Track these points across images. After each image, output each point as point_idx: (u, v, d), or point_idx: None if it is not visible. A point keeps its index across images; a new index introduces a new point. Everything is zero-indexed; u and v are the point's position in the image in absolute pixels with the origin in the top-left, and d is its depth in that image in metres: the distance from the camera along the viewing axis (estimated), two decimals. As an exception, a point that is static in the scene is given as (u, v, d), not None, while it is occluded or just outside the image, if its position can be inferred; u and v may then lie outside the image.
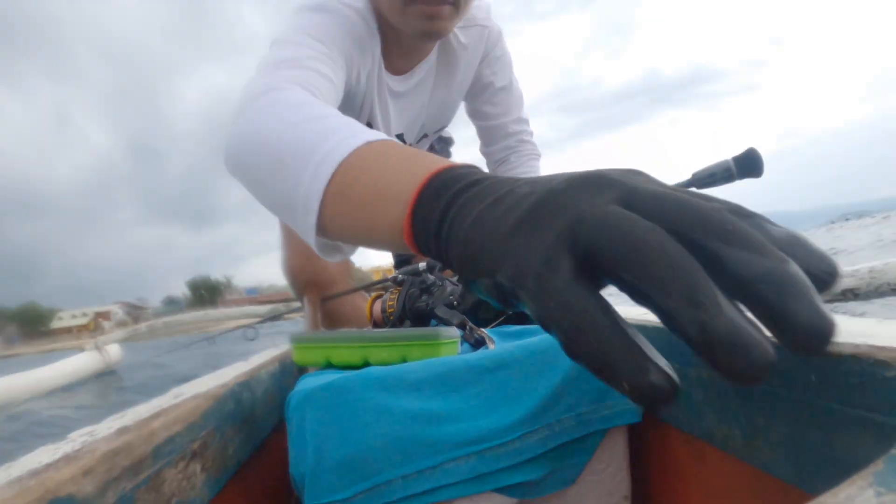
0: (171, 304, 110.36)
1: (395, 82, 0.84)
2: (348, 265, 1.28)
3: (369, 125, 0.80)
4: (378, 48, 0.77)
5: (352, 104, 0.78)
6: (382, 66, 0.80)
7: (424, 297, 0.78)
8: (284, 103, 0.44)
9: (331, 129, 0.36)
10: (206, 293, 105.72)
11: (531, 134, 1.06)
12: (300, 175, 0.36)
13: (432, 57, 0.87)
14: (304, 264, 1.06)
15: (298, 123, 0.39)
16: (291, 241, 1.07)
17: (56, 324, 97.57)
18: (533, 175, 0.95)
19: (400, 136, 0.93)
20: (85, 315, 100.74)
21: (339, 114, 0.41)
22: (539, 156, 1.06)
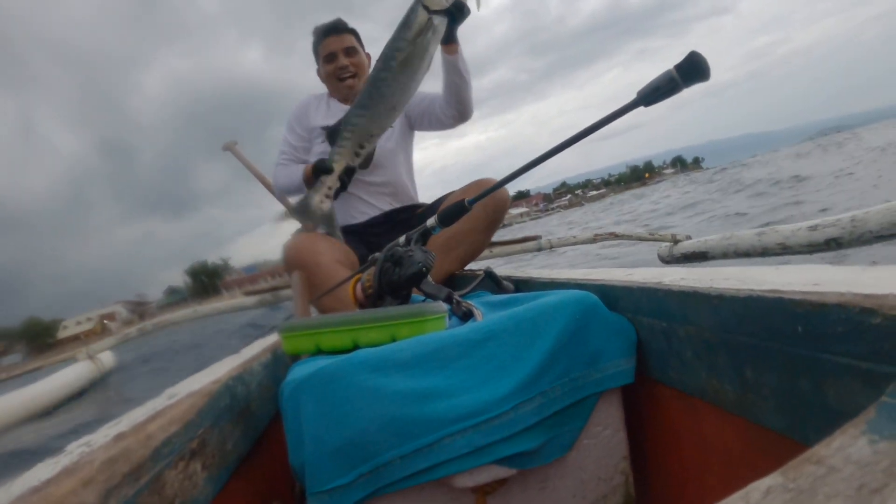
0: (174, 294, 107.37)
1: None
2: (337, 249, 1.58)
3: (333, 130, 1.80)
4: (328, 103, 1.93)
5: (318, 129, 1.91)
6: (339, 105, 1.90)
7: (397, 270, 0.80)
8: (286, 171, 1.84)
9: (297, 175, 1.76)
10: (207, 278, 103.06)
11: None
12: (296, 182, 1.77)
13: None
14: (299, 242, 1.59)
15: (290, 177, 1.81)
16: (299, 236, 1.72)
17: (62, 333, 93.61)
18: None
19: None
20: (90, 320, 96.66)
21: (297, 168, 1.80)
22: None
